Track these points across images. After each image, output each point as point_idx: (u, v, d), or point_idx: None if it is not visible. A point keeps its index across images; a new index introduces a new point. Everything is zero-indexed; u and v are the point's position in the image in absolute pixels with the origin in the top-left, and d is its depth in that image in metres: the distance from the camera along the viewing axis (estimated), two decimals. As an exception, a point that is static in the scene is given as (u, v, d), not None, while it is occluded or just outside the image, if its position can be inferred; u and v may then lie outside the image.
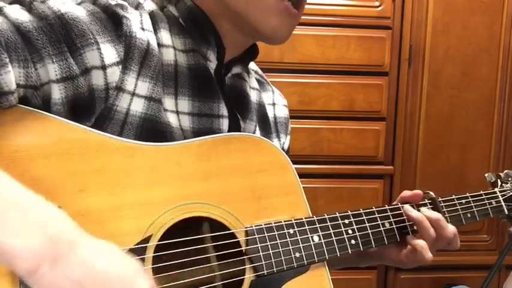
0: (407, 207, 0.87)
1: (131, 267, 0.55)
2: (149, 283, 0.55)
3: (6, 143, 0.59)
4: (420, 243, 0.84)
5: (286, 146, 0.95)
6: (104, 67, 0.66)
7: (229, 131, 0.78)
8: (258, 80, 0.93)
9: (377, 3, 2.07)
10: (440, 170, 2.17)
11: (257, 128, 0.86)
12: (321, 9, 2.04)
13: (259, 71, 0.96)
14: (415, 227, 0.86)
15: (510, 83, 2.17)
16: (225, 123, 0.78)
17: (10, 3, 0.64)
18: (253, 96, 0.88)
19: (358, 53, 2.07)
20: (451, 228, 0.86)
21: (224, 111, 0.78)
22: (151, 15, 0.74)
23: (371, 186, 2.14)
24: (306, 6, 2.27)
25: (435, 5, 2.08)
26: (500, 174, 1.04)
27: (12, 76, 0.57)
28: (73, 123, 0.64)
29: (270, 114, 0.92)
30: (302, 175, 2.42)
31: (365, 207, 0.84)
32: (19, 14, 0.61)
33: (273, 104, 0.94)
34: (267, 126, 0.90)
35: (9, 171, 0.54)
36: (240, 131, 0.81)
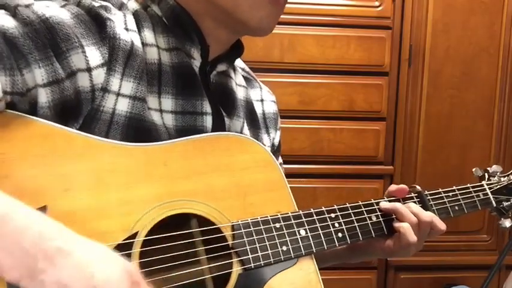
0: (382, 203, 0.88)
1: (119, 270, 0.53)
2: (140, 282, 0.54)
3: None
4: (403, 225, 0.85)
5: (276, 141, 0.96)
6: (89, 69, 0.67)
7: (213, 128, 0.79)
8: (245, 77, 0.94)
9: (377, 3, 2.07)
10: (440, 170, 2.17)
11: (245, 125, 0.87)
12: (321, 9, 2.04)
13: (246, 68, 0.97)
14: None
15: (510, 83, 2.16)
16: (208, 120, 0.78)
17: None
18: (240, 93, 0.89)
19: (358, 53, 2.07)
20: (427, 213, 0.87)
21: (208, 108, 0.79)
22: (135, 14, 0.76)
23: (371, 186, 2.14)
24: (306, 6, 2.28)
25: (435, 5, 2.08)
26: (488, 168, 1.05)
27: None
28: (58, 125, 0.65)
29: (259, 111, 0.93)
30: (302, 175, 2.42)
31: (351, 202, 0.85)
32: (4, 20, 0.62)
33: (261, 100, 0.95)
34: (255, 123, 0.91)
35: None
36: (224, 128, 0.82)
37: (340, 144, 2.11)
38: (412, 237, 0.85)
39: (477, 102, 2.16)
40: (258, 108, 0.93)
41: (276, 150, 0.96)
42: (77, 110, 0.67)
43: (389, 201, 0.89)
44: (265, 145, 0.90)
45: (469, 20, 2.11)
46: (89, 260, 0.52)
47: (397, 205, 0.87)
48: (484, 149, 2.19)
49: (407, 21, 2.08)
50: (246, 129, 0.87)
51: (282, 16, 0.81)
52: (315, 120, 2.09)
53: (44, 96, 0.63)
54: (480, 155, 2.19)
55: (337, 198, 2.11)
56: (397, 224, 0.86)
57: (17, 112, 0.62)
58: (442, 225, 0.88)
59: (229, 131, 0.82)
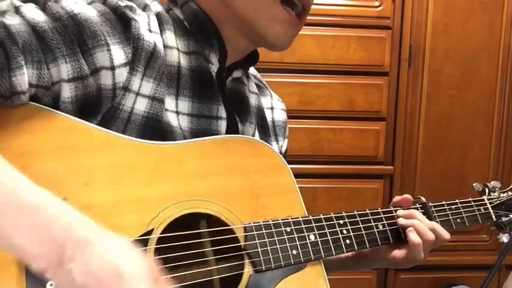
0: (399, 211, 0.89)
1: (141, 263, 0.55)
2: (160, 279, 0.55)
3: (14, 138, 0.62)
4: (418, 239, 0.85)
5: (284, 149, 0.97)
6: (112, 68, 0.68)
7: (227, 132, 0.80)
8: (257, 85, 0.95)
9: (377, 3, 2.07)
10: (440, 170, 2.17)
11: (256, 131, 0.88)
12: (321, 9, 2.04)
13: (258, 76, 0.98)
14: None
15: (510, 83, 2.17)
16: (223, 124, 0.79)
17: (25, 2, 0.66)
18: (253, 100, 0.90)
19: (358, 53, 2.07)
20: (429, 233, 0.87)
21: (223, 113, 0.79)
22: (158, 16, 0.77)
23: (371, 186, 2.14)
24: (306, 6, 2.23)
25: (435, 5, 2.08)
26: (488, 184, 1.08)
27: (26, 77, 0.60)
28: (80, 120, 0.66)
29: (269, 118, 0.95)
30: (302, 175, 2.41)
31: (359, 209, 0.86)
32: (35, 13, 0.64)
33: (272, 108, 0.97)
34: (265, 130, 0.92)
35: (17, 164, 0.57)
36: (238, 133, 0.83)
37: (340, 144, 2.11)
38: (421, 254, 0.86)
39: (477, 102, 2.16)
40: (268, 116, 0.95)
41: (283, 157, 0.96)
42: (97, 107, 0.68)
43: (397, 212, 0.90)
44: None
45: (469, 20, 2.11)
46: (115, 251, 0.54)
47: (415, 222, 0.87)
48: (484, 149, 2.19)
49: (407, 21, 2.08)
50: (257, 135, 0.88)
51: (298, 32, 0.82)
52: (315, 120, 2.09)
53: (67, 91, 0.65)
54: (480, 155, 2.19)
55: (337, 198, 2.11)
56: (413, 237, 0.86)
57: (40, 105, 0.64)
58: (446, 235, 0.90)
59: None
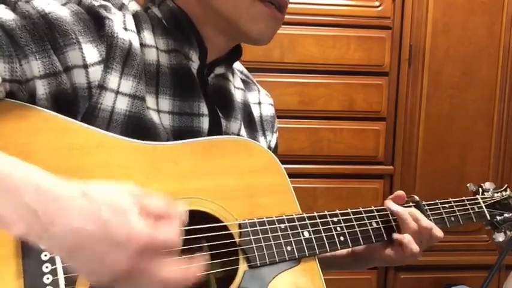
0: (389, 202, 0.91)
1: (127, 215, 0.52)
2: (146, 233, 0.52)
3: (12, 137, 0.62)
4: (405, 236, 0.87)
5: (273, 144, 0.97)
6: (85, 66, 0.68)
7: (209, 129, 0.80)
8: (243, 80, 0.95)
9: (377, 3, 2.07)
10: (440, 170, 2.17)
11: (242, 127, 0.88)
12: (321, 9, 2.04)
13: (245, 71, 0.98)
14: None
15: (510, 83, 2.17)
16: (205, 121, 0.79)
17: None
18: (238, 95, 0.90)
19: (358, 53, 2.07)
20: (427, 221, 0.89)
21: (204, 109, 0.79)
22: (135, 15, 0.77)
23: (371, 186, 2.14)
24: (306, 6, 2.27)
25: (435, 5, 2.08)
26: (482, 184, 1.09)
27: None
28: (77, 121, 0.67)
29: (256, 113, 0.94)
30: (302, 175, 2.41)
31: (352, 207, 0.87)
32: (3, 13, 0.64)
33: (259, 103, 0.96)
34: (252, 125, 0.92)
35: None
36: (221, 129, 0.83)
37: (340, 144, 2.11)
38: (415, 246, 0.87)
39: (477, 102, 2.16)
40: (256, 111, 0.94)
41: (272, 152, 0.96)
42: (74, 106, 0.68)
43: None
44: None
45: (469, 20, 2.11)
46: (92, 198, 0.51)
47: (400, 209, 0.89)
48: (484, 149, 2.19)
49: (407, 21, 2.08)
50: (243, 131, 0.88)
51: (280, 26, 0.82)
52: (315, 120, 2.09)
53: (41, 88, 0.65)
54: (480, 155, 2.19)
55: (337, 198, 2.11)
56: (398, 236, 0.88)
57: (37, 107, 0.64)
58: (439, 233, 0.90)
59: (226, 133, 0.83)
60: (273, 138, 0.97)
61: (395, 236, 0.88)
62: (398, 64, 2.11)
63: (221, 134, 0.83)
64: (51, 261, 0.61)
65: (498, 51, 2.14)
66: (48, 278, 0.60)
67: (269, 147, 0.95)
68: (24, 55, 0.63)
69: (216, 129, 0.81)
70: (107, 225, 0.50)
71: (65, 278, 0.61)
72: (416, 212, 0.89)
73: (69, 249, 0.50)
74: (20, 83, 0.63)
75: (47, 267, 0.61)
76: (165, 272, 0.53)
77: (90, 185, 0.53)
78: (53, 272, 0.61)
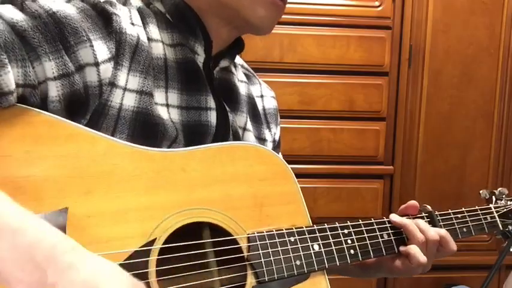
0: (392, 215, 0.89)
1: (129, 285, 0.53)
2: None
3: (18, 144, 0.61)
4: (412, 247, 0.85)
5: (277, 137, 0.97)
6: (97, 64, 0.67)
7: (217, 123, 0.79)
8: (245, 74, 0.95)
9: (377, 3, 2.07)
10: (440, 170, 2.17)
11: (248, 120, 0.88)
12: (321, 9, 2.04)
13: (245, 65, 0.98)
14: None
15: (510, 83, 2.16)
16: (213, 115, 0.79)
17: (2, 3, 0.65)
18: (242, 88, 0.90)
19: (358, 53, 2.07)
20: (434, 230, 0.88)
21: (212, 103, 0.79)
22: (139, 10, 0.76)
23: (371, 186, 2.14)
24: (306, 6, 2.28)
25: (435, 5, 2.08)
26: (495, 191, 1.06)
27: (11, 76, 0.58)
28: (83, 127, 0.65)
29: (259, 106, 0.94)
30: (302, 175, 2.40)
31: (364, 218, 0.86)
32: (13, 13, 0.62)
33: (261, 96, 0.96)
34: (257, 118, 0.92)
35: (20, 170, 0.57)
36: (228, 123, 0.82)
37: (340, 144, 2.11)
38: (422, 257, 0.85)
39: (477, 102, 2.16)
40: (259, 104, 0.94)
41: (276, 145, 0.97)
42: (85, 105, 0.67)
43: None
44: (266, 140, 0.91)
45: (469, 20, 2.11)
46: (98, 276, 0.51)
47: (406, 221, 0.87)
48: (484, 149, 2.19)
49: (407, 21, 2.08)
50: (249, 124, 0.88)
51: (282, 16, 0.82)
52: (315, 120, 2.09)
53: (54, 90, 0.64)
54: (480, 155, 2.19)
55: (337, 198, 2.11)
56: (404, 248, 0.86)
57: (44, 112, 0.62)
58: (453, 246, 0.88)
59: (233, 126, 0.82)
60: (277, 131, 0.97)
61: (402, 247, 0.86)
62: (398, 64, 2.11)
63: (228, 128, 0.82)
64: None
65: (498, 51, 2.14)
66: None
67: (274, 140, 0.95)
68: (37, 56, 0.62)
69: (223, 122, 0.81)
70: None
71: None
72: (422, 223, 0.88)
73: None
74: (33, 87, 0.62)
75: None
76: None
77: (104, 263, 0.53)
78: None
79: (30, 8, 0.64)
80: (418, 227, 0.87)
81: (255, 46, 1.97)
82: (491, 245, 2.22)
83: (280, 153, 0.97)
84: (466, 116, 2.16)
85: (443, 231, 0.88)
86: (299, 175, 0.76)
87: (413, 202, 0.92)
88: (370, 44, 2.07)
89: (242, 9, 0.77)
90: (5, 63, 0.57)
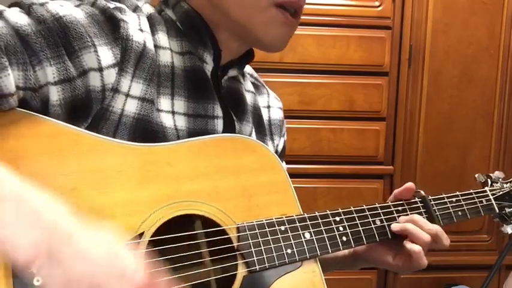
0: (393, 225, 0.86)
1: (128, 258, 0.55)
2: (144, 275, 0.55)
3: (1, 143, 0.61)
4: (415, 248, 0.84)
5: (280, 148, 0.97)
6: (100, 69, 0.67)
7: (223, 131, 0.79)
8: (253, 83, 0.94)
9: (377, 3, 2.07)
10: (440, 170, 2.17)
11: (253, 130, 0.88)
12: (321, 9, 2.04)
13: (255, 74, 0.98)
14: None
15: (510, 83, 2.16)
16: (219, 124, 0.79)
17: (9, 6, 0.66)
18: (249, 98, 0.90)
19: (358, 53, 2.07)
20: (429, 226, 0.86)
21: (219, 112, 0.79)
22: (149, 18, 0.76)
23: (371, 186, 2.14)
24: (306, 6, 2.28)
25: (435, 5, 2.08)
26: (491, 174, 1.05)
27: (11, 79, 0.59)
28: (67, 124, 0.65)
29: (265, 117, 0.94)
30: (302, 175, 2.41)
31: (355, 206, 0.85)
32: (18, 17, 0.63)
33: (268, 107, 0.96)
34: (261, 129, 0.91)
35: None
36: (234, 131, 0.82)
37: (340, 144, 2.11)
38: (424, 261, 0.84)
39: (477, 102, 2.16)
40: (265, 115, 0.94)
41: (279, 155, 0.95)
42: (87, 109, 0.68)
43: (395, 207, 0.88)
44: None
45: (469, 20, 2.11)
46: (101, 245, 0.54)
47: (408, 226, 0.85)
48: (484, 149, 2.19)
49: (407, 21, 2.08)
50: (253, 134, 0.88)
51: (295, 32, 0.82)
52: (315, 120, 2.09)
53: (55, 94, 0.64)
54: (480, 155, 2.19)
55: (337, 198, 2.11)
56: (409, 246, 0.84)
57: (26, 110, 0.63)
58: (446, 241, 0.87)
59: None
60: (280, 142, 0.97)
61: (408, 246, 0.84)
62: (398, 64, 2.11)
63: None
64: None
65: (498, 51, 2.14)
66: None
67: (276, 152, 0.95)
68: (39, 61, 0.62)
69: (230, 131, 0.81)
70: (114, 259, 0.53)
71: None
72: (420, 220, 0.85)
73: (69, 280, 0.51)
74: (33, 91, 0.62)
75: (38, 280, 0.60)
76: None
77: (105, 232, 0.56)
78: None
79: (36, 12, 0.64)
80: (417, 224, 0.85)
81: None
82: (491, 245, 2.22)
83: (284, 162, 0.97)
84: (466, 116, 2.16)
85: (436, 229, 0.86)
86: (299, 175, 0.76)
87: (410, 184, 0.90)
88: (370, 44, 2.07)
89: (254, 28, 0.76)
90: (5, 66, 0.58)
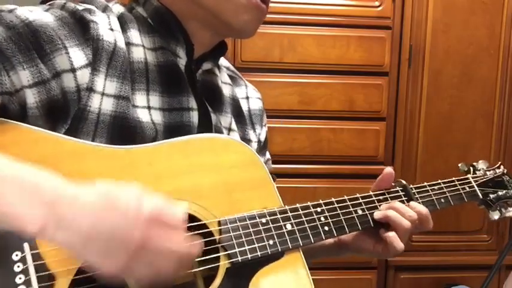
0: (376, 213, 0.87)
1: (129, 196, 0.58)
2: (148, 205, 0.58)
3: None
4: (389, 234, 0.85)
5: (262, 137, 0.98)
6: (73, 70, 0.69)
7: (199, 123, 0.81)
8: (230, 76, 0.96)
9: (377, 3, 2.07)
10: (440, 169, 2.17)
11: (233, 121, 0.89)
12: (321, 9, 2.04)
13: (231, 67, 0.99)
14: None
15: (510, 83, 2.16)
16: (195, 115, 0.80)
17: None
18: (226, 90, 0.91)
19: (358, 53, 2.07)
20: (411, 212, 0.86)
21: (193, 104, 0.80)
22: (120, 16, 0.78)
23: (371, 186, 2.14)
24: (306, 6, 2.28)
25: (435, 5, 2.08)
26: (474, 164, 1.05)
27: None
28: (48, 131, 0.67)
29: (244, 108, 0.95)
30: (302, 175, 2.41)
31: (336, 197, 0.86)
32: None
33: (247, 98, 0.98)
34: (242, 119, 0.93)
35: None
36: (211, 123, 0.83)
37: (340, 144, 2.11)
38: (399, 245, 0.85)
39: (477, 102, 2.16)
40: (244, 106, 0.96)
41: (262, 146, 0.98)
42: (65, 111, 0.69)
43: (376, 196, 0.89)
44: (251, 141, 0.92)
45: (469, 20, 2.11)
46: (109, 187, 0.58)
47: (389, 213, 0.85)
48: (484, 149, 2.19)
49: (407, 21, 2.08)
50: (234, 125, 0.89)
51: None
52: (315, 120, 2.09)
53: (31, 97, 0.66)
54: (480, 155, 2.18)
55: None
56: (384, 234, 0.86)
57: (6, 120, 0.64)
58: (429, 223, 0.88)
59: (216, 126, 0.84)
60: (262, 132, 0.98)
61: (383, 234, 0.86)
62: (398, 64, 2.11)
63: (211, 128, 0.83)
64: (23, 260, 0.61)
65: (498, 51, 2.14)
66: (20, 278, 0.61)
67: (258, 141, 0.96)
68: (12, 66, 0.64)
69: (206, 123, 0.82)
70: (114, 201, 0.57)
71: (37, 276, 0.61)
72: (400, 206, 0.86)
73: (85, 234, 0.55)
74: (10, 95, 0.64)
75: (18, 266, 0.61)
76: (176, 243, 0.59)
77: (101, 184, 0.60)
78: (25, 272, 0.61)
79: (5, 19, 0.66)
80: (398, 211, 0.85)
81: (255, 46, 1.97)
82: (491, 245, 2.22)
83: (268, 152, 0.99)
84: (466, 116, 2.16)
85: (424, 210, 0.87)
86: (299, 175, 0.76)
87: (388, 169, 0.91)
88: (370, 44, 2.07)
89: (224, 14, 0.78)
90: None
